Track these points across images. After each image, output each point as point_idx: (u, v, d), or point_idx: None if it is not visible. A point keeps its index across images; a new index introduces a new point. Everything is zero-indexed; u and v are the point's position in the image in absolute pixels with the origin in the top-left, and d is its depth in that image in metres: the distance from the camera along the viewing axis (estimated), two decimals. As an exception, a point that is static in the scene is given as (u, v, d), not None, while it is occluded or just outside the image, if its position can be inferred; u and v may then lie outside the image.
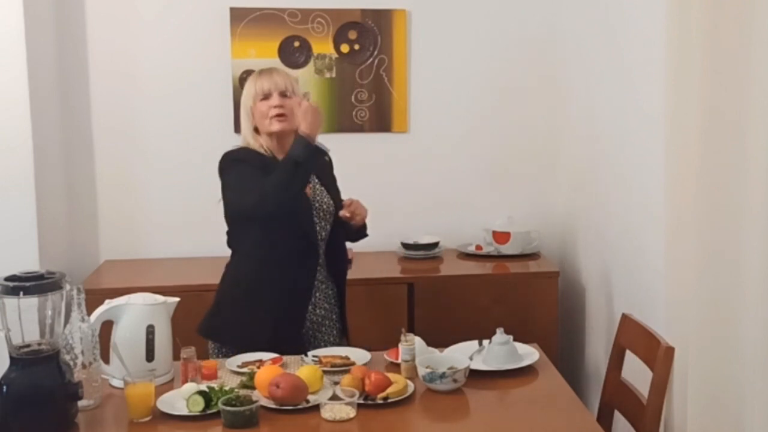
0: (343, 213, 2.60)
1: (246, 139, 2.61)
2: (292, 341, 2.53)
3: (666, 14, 2.14)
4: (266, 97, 2.55)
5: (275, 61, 3.52)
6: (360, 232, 2.75)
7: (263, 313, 2.56)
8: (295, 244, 2.57)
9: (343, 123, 3.58)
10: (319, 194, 2.64)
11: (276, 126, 2.55)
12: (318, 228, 2.62)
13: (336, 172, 2.79)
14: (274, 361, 2.39)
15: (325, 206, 2.64)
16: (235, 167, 2.54)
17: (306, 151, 2.44)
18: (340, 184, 2.78)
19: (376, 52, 3.60)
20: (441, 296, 3.26)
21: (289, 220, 2.52)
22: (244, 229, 2.61)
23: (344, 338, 2.74)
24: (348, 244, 2.79)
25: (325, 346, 2.62)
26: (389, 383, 2.16)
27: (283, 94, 2.56)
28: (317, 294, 2.64)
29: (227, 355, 2.51)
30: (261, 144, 2.59)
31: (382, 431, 2.05)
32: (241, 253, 2.65)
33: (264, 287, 2.57)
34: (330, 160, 2.75)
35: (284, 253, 2.56)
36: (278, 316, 2.56)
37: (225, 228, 3.72)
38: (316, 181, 2.66)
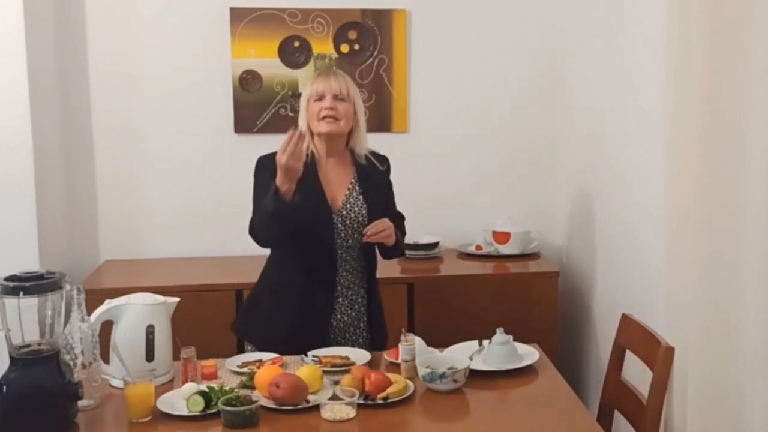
0: (365, 231, 2.55)
1: None
2: (311, 346, 2.48)
3: (666, 14, 2.14)
4: (320, 98, 2.56)
5: (275, 62, 3.53)
6: (390, 251, 2.68)
7: (281, 314, 2.57)
8: (312, 250, 2.55)
9: (343, 123, 3.57)
10: (351, 202, 2.60)
11: (324, 128, 2.55)
12: (343, 235, 2.58)
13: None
14: (274, 361, 2.39)
15: (353, 214, 2.58)
16: (257, 176, 2.57)
17: (273, 201, 2.38)
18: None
19: (376, 52, 3.60)
20: (441, 296, 3.26)
21: (306, 227, 2.49)
22: None
23: (375, 349, 2.61)
24: None
25: None
26: (389, 383, 2.16)
27: (336, 97, 2.55)
28: (340, 300, 2.61)
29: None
30: (310, 143, 2.58)
31: (382, 431, 2.05)
32: (271, 251, 2.68)
33: (282, 289, 2.59)
34: (388, 168, 2.74)
35: (301, 257, 2.55)
36: (294, 318, 2.56)
37: (225, 228, 3.72)
38: (358, 189, 2.62)
